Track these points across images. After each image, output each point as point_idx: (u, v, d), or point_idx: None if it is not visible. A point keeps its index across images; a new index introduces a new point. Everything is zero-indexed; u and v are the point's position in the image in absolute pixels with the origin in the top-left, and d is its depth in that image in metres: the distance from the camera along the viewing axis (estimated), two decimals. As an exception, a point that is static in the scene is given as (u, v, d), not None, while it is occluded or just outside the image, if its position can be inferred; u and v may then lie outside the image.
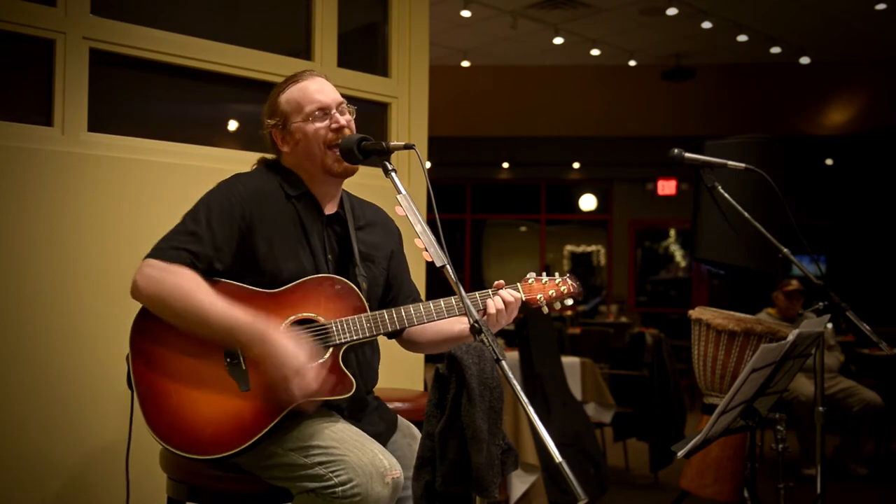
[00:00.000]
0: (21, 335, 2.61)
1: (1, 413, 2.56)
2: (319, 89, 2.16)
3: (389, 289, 2.31)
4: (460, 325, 2.21)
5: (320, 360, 2.01)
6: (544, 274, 2.23)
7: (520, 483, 4.08)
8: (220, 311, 1.92)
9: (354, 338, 2.04)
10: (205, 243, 1.99)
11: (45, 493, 2.62)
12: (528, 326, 4.73)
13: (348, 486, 1.86)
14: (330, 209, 2.20)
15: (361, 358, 2.17)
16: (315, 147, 2.11)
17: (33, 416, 2.60)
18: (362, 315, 2.06)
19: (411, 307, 2.10)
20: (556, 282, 2.23)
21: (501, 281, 2.19)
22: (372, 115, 3.65)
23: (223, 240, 2.01)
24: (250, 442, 1.92)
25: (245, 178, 2.13)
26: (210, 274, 1.99)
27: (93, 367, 2.69)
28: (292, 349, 1.91)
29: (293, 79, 2.19)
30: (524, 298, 2.19)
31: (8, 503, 2.55)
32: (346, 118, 2.15)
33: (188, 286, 1.93)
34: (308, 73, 2.20)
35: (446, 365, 2.02)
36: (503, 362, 1.68)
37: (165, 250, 1.97)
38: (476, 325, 1.74)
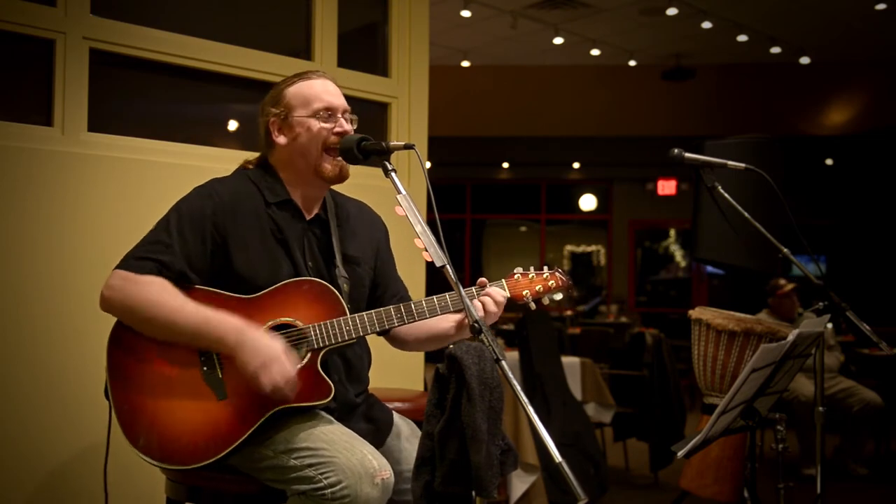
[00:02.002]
0: (21, 335, 2.61)
1: (1, 413, 2.56)
2: (327, 90, 2.15)
3: (376, 287, 2.28)
4: (446, 322, 2.18)
5: (298, 365, 1.98)
6: (532, 269, 2.18)
7: (520, 483, 4.08)
8: (189, 313, 1.92)
9: (333, 342, 2.01)
10: (174, 253, 1.97)
11: (45, 492, 2.62)
12: (528, 326, 4.73)
13: (337, 487, 1.85)
14: (312, 213, 2.17)
15: (351, 360, 2.15)
16: (313, 146, 2.10)
17: (33, 416, 2.60)
18: (342, 318, 2.02)
19: (392, 308, 2.06)
20: (544, 276, 2.17)
21: (484, 279, 2.13)
22: (372, 115, 3.65)
23: (195, 249, 1.99)
24: (228, 450, 1.91)
25: (220, 183, 2.11)
26: (181, 282, 1.98)
27: (93, 367, 2.67)
28: (267, 339, 1.91)
29: (303, 75, 2.18)
30: (509, 296, 2.13)
31: (8, 503, 2.55)
32: (349, 126, 2.14)
33: (154, 293, 1.92)
34: (319, 73, 2.19)
35: (446, 365, 2.02)
36: (503, 362, 1.67)
37: (132, 261, 1.96)
38: (476, 324, 1.73)
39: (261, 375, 1.88)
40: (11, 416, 2.57)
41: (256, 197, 2.10)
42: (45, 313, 2.65)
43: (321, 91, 2.14)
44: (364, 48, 3.80)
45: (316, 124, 2.10)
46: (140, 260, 1.96)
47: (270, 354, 1.89)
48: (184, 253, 1.98)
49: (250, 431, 1.92)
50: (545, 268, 2.20)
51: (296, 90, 2.14)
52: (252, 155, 2.25)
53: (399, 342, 2.32)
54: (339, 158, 2.10)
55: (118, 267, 1.97)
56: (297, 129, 2.11)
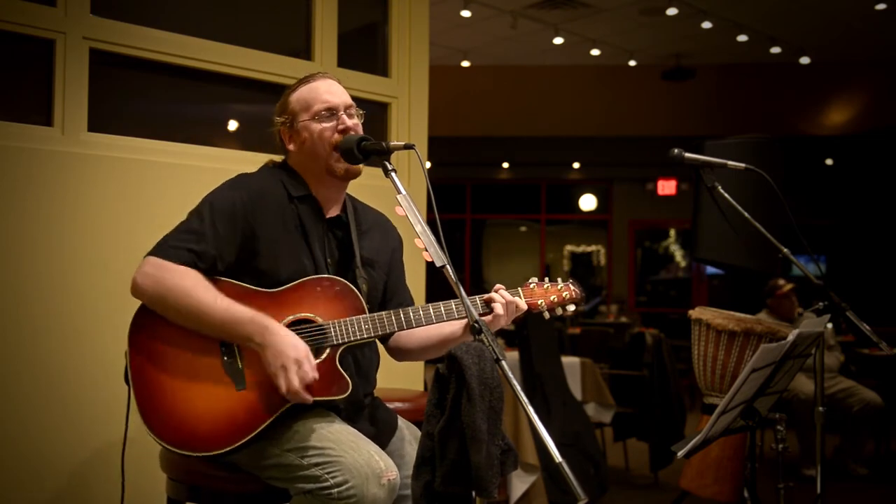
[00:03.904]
0: (21, 335, 2.61)
1: (1, 413, 2.56)
2: (328, 90, 2.16)
3: (384, 293, 2.30)
4: (449, 327, 2.19)
5: (318, 360, 2.01)
6: (546, 279, 2.22)
7: (520, 483, 4.08)
8: (222, 308, 1.93)
9: (352, 339, 2.04)
10: (208, 242, 1.99)
11: (45, 492, 2.62)
12: (528, 326, 4.73)
13: (344, 487, 1.85)
14: (332, 213, 2.20)
15: (360, 360, 2.16)
16: (320, 147, 2.11)
17: (33, 416, 2.60)
18: (361, 316, 2.06)
19: (410, 310, 2.09)
20: (559, 287, 2.21)
21: (500, 285, 2.16)
22: (372, 115, 3.65)
23: (226, 239, 2.01)
24: (244, 440, 1.92)
25: (249, 178, 2.14)
26: (211, 272, 2.00)
27: (93, 367, 2.69)
28: (292, 340, 1.92)
29: (305, 79, 2.20)
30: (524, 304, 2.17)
31: (8, 503, 2.55)
32: (353, 121, 2.15)
33: (189, 284, 1.93)
34: (320, 75, 2.21)
35: (446, 365, 2.02)
36: (503, 362, 1.67)
37: (167, 248, 1.98)
38: (476, 324, 1.74)
39: (279, 377, 1.90)
40: (11, 416, 2.57)
41: (281, 191, 2.13)
42: (45, 313, 2.65)
43: (322, 91, 2.15)
44: (364, 48, 3.80)
45: (317, 126, 2.12)
46: (174, 248, 1.97)
47: (292, 357, 1.90)
48: (216, 243, 2.00)
49: (269, 421, 1.93)
50: (559, 280, 2.23)
51: (297, 95, 2.17)
52: (263, 156, 2.27)
53: (399, 351, 2.32)
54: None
55: (151, 254, 1.98)
56: (302, 133, 2.14)
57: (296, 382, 1.89)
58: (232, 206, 2.04)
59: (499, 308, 2.10)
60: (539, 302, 2.18)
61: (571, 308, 2.22)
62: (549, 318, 2.23)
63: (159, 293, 1.94)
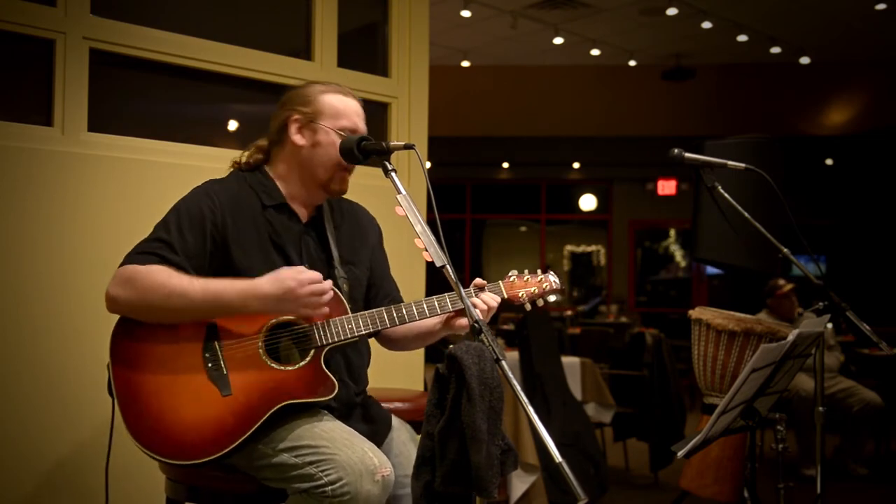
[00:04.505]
0: (21, 335, 2.61)
1: (1, 413, 2.56)
2: (359, 115, 2.19)
3: (370, 288, 2.31)
4: (430, 322, 2.21)
5: (302, 363, 2.01)
6: (526, 271, 2.25)
7: (520, 483, 4.08)
8: (200, 287, 1.93)
9: (336, 340, 2.04)
10: (176, 251, 1.99)
11: (45, 492, 2.62)
12: (528, 326, 4.73)
13: (338, 484, 1.86)
14: (308, 216, 2.20)
15: (352, 359, 2.17)
16: (329, 160, 2.11)
17: (33, 416, 2.60)
18: (344, 317, 2.06)
19: (392, 308, 2.09)
20: (539, 279, 2.24)
21: (480, 279, 2.19)
22: (372, 115, 3.64)
23: (195, 248, 2.01)
24: (233, 445, 1.91)
25: (218, 184, 2.13)
26: None
27: (93, 367, 2.68)
28: (277, 274, 1.94)
29: (336, 88, 2.20)
30: (506, 296, 2.20)
31: (7, 502, 2.55)
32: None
33: (161, 278, 1.93)
34: (350, 92, 2.22)
35: (446, 365, 2.02)
36: (503, 362, 1.67)
37: (133, 256, 1.98)
38: (476, 325, 1.74)
39: (299, 309, 1.94)
40: (11, 416, 2.57)
41: (253, 199, 2.12)
42: (45, 313, 2.65)
43: (352, 111, 2.17)
44: (364, 48, 3.80)
45: (337, 139, 2.11)
46: (142, 254, 1.98)
47: (291, 281, 1.92)
48: (184, 252, 1.99)
49: (258, 425, 1.93)
50: (539, 271, 2.27)
51: (329, 99, 2.16)
52: (236, 153, 2.25)
53: (389, 342, 2.34)
54: (346, 175, 2.15)
55: (121, 266, 1.98)
56: (319, 135, 2.13)
57: (305, 294, 1.93)
58: (200, 214, 2.03)
59: (483, 307, 2.13)
60: (520, 293, 2.22)
61: (552, 298, 2.27)
62: (530, 309, 2.26)
63: (136, 297, 1.93)
